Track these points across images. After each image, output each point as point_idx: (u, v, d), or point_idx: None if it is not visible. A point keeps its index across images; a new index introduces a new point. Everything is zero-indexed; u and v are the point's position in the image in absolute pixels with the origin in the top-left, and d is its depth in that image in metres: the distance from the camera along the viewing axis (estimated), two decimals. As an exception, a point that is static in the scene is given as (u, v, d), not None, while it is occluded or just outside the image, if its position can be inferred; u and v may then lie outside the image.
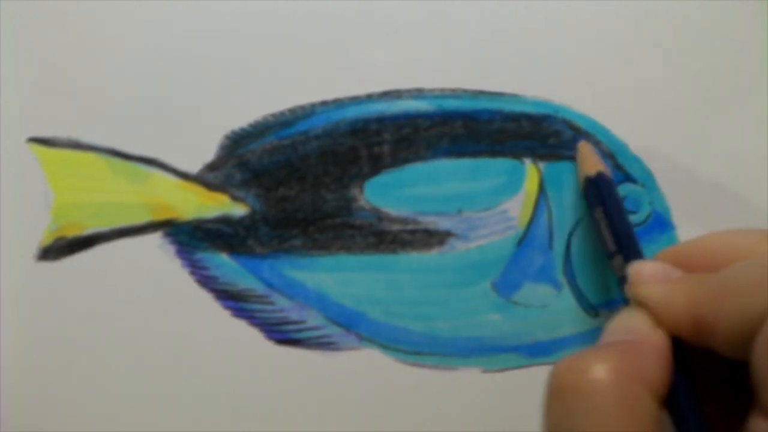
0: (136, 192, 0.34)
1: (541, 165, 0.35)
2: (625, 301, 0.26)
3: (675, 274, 0.25)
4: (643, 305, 0.25)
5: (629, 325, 0.24)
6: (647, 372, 0.22)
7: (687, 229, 0.35)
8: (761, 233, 0.25)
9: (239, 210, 0.34)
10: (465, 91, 0.35)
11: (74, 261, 0.34)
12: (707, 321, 0.23)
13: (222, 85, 0.35)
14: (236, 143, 0.35)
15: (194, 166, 0.35)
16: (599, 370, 0.21)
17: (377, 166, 0.35)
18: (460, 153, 0.35)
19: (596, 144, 0.35)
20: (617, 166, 0.35)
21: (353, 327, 0.34)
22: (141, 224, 0.34)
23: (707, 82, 0.36)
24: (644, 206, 0.35)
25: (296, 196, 0.34)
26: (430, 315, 0.34)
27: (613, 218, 0.31)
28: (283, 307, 0.34)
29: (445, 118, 0.35)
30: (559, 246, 0.35)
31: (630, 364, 0.22)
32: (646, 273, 0.26)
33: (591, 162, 0.33)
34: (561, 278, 0.34)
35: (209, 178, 0.34)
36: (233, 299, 0.34)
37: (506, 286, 0.34)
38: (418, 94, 0.35)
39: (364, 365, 0.34)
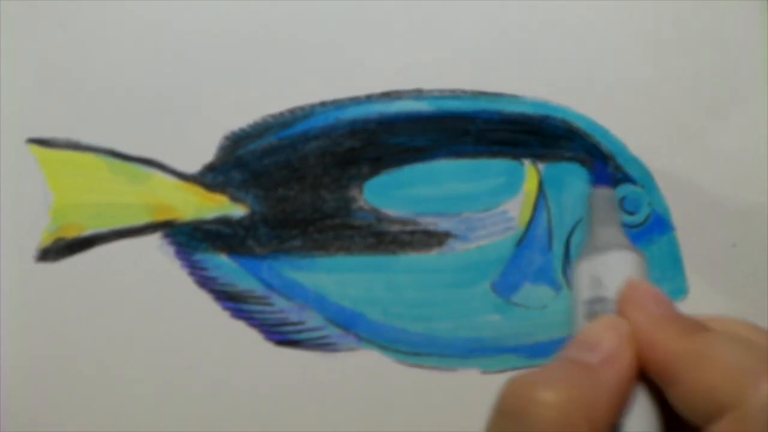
0: (135, 193, 0.34)
1: (541, 165, 0.35)
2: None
3: (668, 307, 0.25)
4: (622, 322, 0.24)
5: (595, 340, 0.24)
6: (595, 410, 0.22)
7: (687, 230, 0.35)
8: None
9: (238, 211, 0.34)
10: (464, 91, 0.35)
11: (73, 262, 0.34)
12: (674, 376, 0.22)
13: (222, 85, 0.35)
14: (236, 144, 0.35)
15: (194, 167, 0.35)
16: (547, 402, 0.21)
17: (376, 166, 0.35)
18: (459, 154, 0.35)
19: (595, 145, 0.35)
20: (616, 167, 0.35)
21: (352, 328, 0.34)
22: (140, 225, 0.34)
23: (707, 82, 0.36)
24: (643, 207, 0.35)
25: (295, 197, 0.34)
26: (429, 316, 0.34)
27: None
28: (283, 308, 0.34)
29: (444, 118, 0.35)
30: (558, 247, 0.34)
31: (580, 400, 0.21)
32: (642, 294, 0.25)
33: None
34: (560, 279, 0.34)
35: (209, 179, 0.34)
36: (232, 300, 0.34)
37: (505, 287, 0.34)
38: (418, 94, 0.35)
39: (363, 366, 0.34)
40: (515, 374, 0.22)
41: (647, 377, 0.23)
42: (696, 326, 0.23)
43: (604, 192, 0.33)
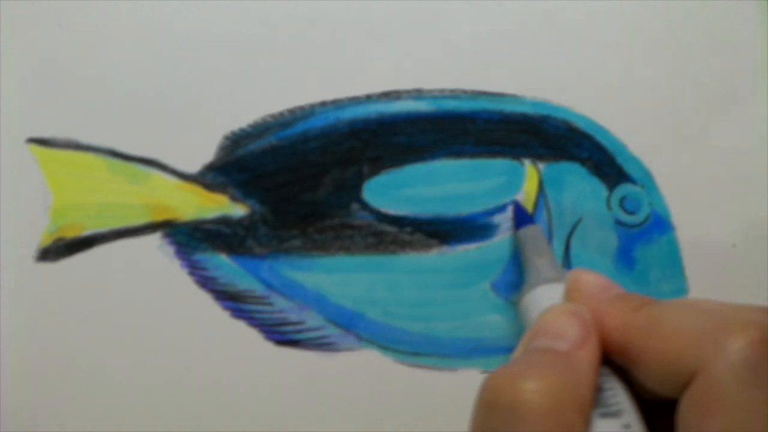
0: (135, 193, 0.34)
1: (541, 165, 0.35)
2: None
3: (616, 290, 0.25)
4: (582, 308, 0.24)
5: (561, 328, 0.24)
6: (580, 394, 0.22)
7: (687, 229, 0.35)
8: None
9: (238, 210, 0.34)
10: (464, 91, 0.35)
11: (73, 262, 0.34)
12: (635, 350, 0.22)
13: (222, 85, 0.35)
14: (236, 144, 0.35)
15: (194, 167, 0.35)
16: (535, 391, 0.21)
17: (376, 166, 0.35)
18: (459, 154, 0.35)
19: (596, 145, 0.35)
20: (616, 167, 0.35)
21: (352, 327, 0.34)
22: (140, 225, 0.34)
23: (707, 82, 0.36)
24: (643, 207, 0.35)
25: (295, 197, 0.34)
26: (429, 316, 0.34)
27: None
28: (283, 307, 0.34)
29: (444, 118, 0.35)
30: (558, 247, 0.34)
31: (565, 386, 0.21)
32: (587, 282, 0.25)
33: None
34: (560, 279, 0.34)
35: (209, 179, 0.34)
36: (232, 300, 0.34)
37: (505, 287, 0.34)
38: (418, 94, 0.35)
39: (363, 366, 0.34)
40: (494, 369, 0.22)
41: (610, 361, 0.23)
42: (647, 300, 0.24)
43: (532, 229, 0.33)
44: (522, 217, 0.34)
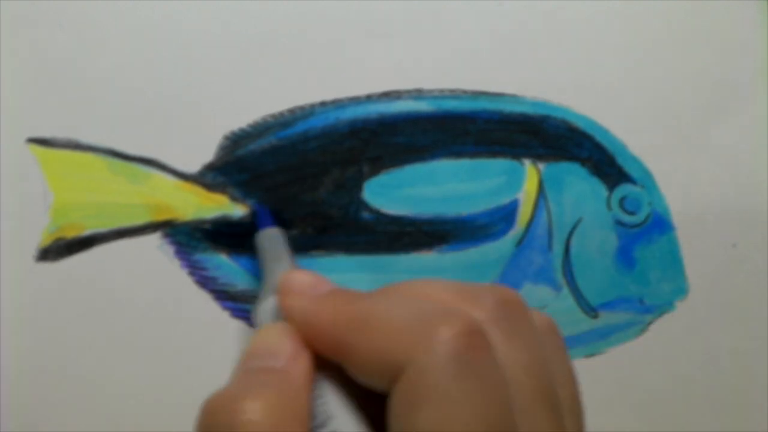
0: (135, 192, 0.34)
1: (541, 165, 0.35)
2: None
3: (325, 287, 0.25)
4: (289, 319, 0.24)
5: (274, 346, 0.23)
6: (299, 408, 0.22)
7: (687, 230, 0.35)
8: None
9: (239, 210, 0.34)
10: (464, 91, 0.35)
11: (73, 262, 0.34)
12: (344, 347, 0.22)
13: (222, 85, 0.35)
14: (236, 144, 0.35)
15: (194, 167, 0.35)
16: (255, 410, 0.21)
17: (377, 166, 0.35)
18: (459, 154, 0.35)
19: (596, 145, 0.35)
20: (616, 167, 0.35)
21: (352, 328, 0.34)
22: (140, 225, 0.34)
23: (707, 82, 0.36)
24: (643, 207, 0.35)
25: (295, 197, 0.34)
26: (429, 316, 0.34)
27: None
28: (283, 307, 0.34)
29: (444, 118, 0.35)
30: (558, 246, 0.34)
31: (283, 402, 0.21)
32: (296, 282, 0.25)
33: None
34: (560, 279, 0.34)
35: (209, 179, 0.34)
36: (232, 300, 0.34)
37: (505, 287, 0.34)
38: (418, 94, 0.35)
39: (363, 366, 0.34)
40: (209, 395, 0.22)
41: (327, 362, 0.23)
42: (359, 294, 0.23)
43: (270, 232, 0.32)
44: (262, 219, 0.33)
